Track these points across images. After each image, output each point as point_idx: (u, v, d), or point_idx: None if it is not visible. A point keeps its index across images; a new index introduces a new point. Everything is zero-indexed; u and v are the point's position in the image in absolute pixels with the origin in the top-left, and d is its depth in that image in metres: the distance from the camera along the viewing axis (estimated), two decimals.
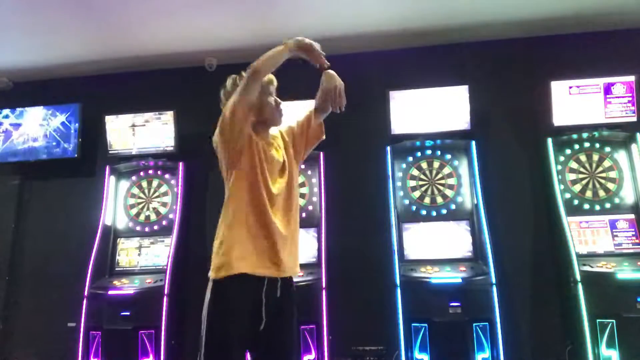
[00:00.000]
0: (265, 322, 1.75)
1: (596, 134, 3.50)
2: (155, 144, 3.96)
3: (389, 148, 3.62)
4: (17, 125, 4.32)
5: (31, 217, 4.38)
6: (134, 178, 4.03)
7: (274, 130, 2.01)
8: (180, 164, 3.88)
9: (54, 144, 4.24)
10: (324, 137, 2.09)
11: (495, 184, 3.68)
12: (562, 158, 3.57)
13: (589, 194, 3.49)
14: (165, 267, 3.54)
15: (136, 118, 4.00)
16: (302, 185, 3.76)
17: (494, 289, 3.15)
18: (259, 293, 1.75)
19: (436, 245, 3.47)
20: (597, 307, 3.05)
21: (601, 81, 3.51)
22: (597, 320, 3.03)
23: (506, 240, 3.57)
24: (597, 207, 3.45)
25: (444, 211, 3.57)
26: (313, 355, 3.21)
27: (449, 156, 3.67)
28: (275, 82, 1.98)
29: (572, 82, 3.53)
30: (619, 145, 3.53)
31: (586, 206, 3.47)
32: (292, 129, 2.05)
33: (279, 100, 1.97)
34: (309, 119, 2.04)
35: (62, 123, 4.25)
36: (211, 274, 1.76)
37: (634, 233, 3.35)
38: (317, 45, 1.87)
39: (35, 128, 4.28)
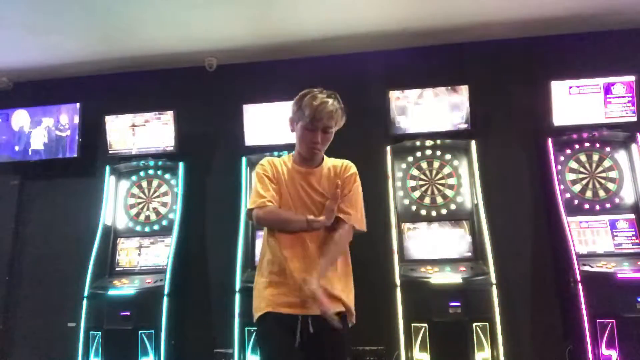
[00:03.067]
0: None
1: (596, 134, 3.50)
2: (155, 144, 3.96)
3: (389, 148, 3.62)
4: (16, 125, 4.32)
5: (31, 217, 4.37)
6: (134, 178, 4.03)
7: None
8: (180, 164, 3.88)
9: (54, 144, 4.23)
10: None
11: (495, 184, 3.68)
12: (562, 158, 3.56)
13: (589, 194, 3.49)
14: (165, 267, 3.54)
15: (136, 118, 3.99)
16: None
17: (494, 289, 3.15)
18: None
19: (436, 245, 3.47)
20: (597, 307, 3.05)
21: (601, 81, 3.50)
22: (597, 320, 3.03)
23: (506, 240, 3.56)
24: (597, 207, 3.45)
25: (444, 211, 3.56)
26: None
27: (449, 156, 3.67)
28: (321, 118, 1.88)
29: (572, 82, 3.52)
30: (619, 145, 3.53)
31: (586, 206, 3.47)
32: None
33: (317, 139, 1.93)
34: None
35: (62, 123, 4.25)
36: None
37: (634, 233, 3.35)
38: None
39: (35, 128, 4.29)
